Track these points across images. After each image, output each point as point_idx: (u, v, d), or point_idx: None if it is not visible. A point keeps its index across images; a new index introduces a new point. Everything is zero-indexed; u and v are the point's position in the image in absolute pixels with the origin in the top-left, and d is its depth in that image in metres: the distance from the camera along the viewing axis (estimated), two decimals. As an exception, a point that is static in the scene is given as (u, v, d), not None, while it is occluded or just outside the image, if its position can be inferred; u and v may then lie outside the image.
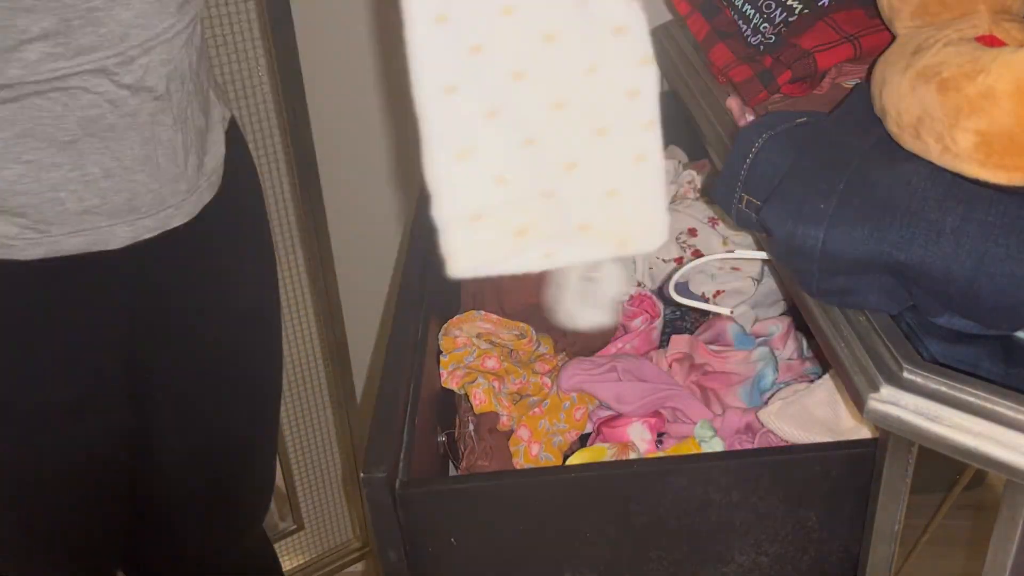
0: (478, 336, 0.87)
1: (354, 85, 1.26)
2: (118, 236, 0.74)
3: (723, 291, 0.95)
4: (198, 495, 0.99)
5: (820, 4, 0.82)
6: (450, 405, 0.88)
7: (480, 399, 0.79)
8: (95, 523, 0.90)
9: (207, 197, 0.81)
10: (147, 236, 0.76)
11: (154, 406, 0.89)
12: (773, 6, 0.85)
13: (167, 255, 0.79)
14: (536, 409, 0.83)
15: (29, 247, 0.71)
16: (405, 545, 0.67)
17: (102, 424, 0.84)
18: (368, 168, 1.33)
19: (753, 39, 0.86)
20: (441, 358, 0.84)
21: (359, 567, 1.68)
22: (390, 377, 0.71)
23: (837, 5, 0.83)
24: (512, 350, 0.89)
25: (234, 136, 0.87)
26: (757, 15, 0.86)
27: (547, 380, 0.86)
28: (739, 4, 0.90)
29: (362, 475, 0.62)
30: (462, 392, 0.83)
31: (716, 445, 0.77)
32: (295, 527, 1.56)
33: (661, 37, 1.18)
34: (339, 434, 1.55)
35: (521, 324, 0.91)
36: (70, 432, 0.81)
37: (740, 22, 0.89)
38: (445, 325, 0.88)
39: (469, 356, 0.84)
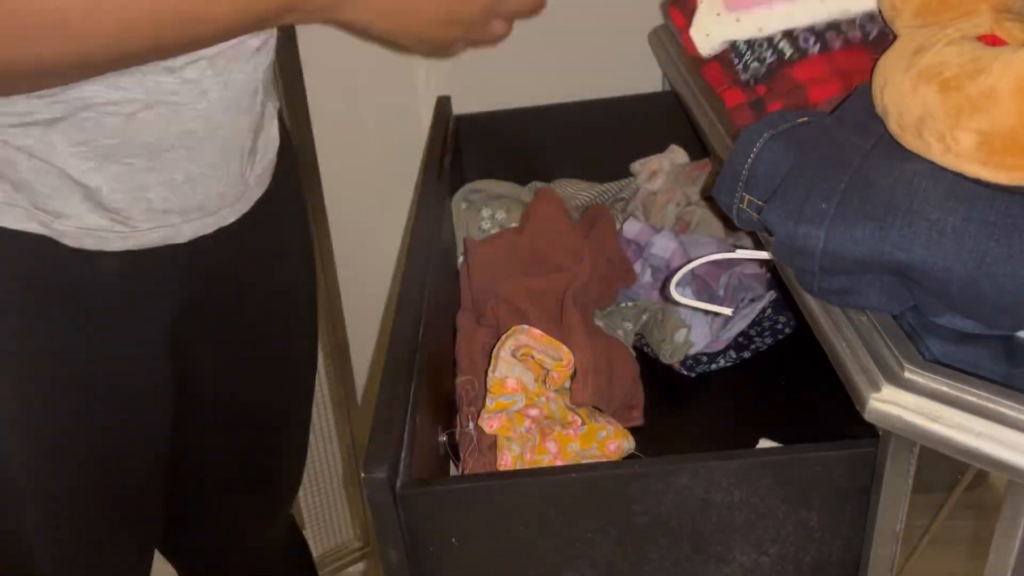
0: (515, 352, 0.84)
1: (354, 85, 1.26)
2: (184, 232, 0.80)
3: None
4: (235, 469, 1.03)
5: (810, 54, 0.82)
6: (451, 405, 0.88)
7: (503, 456, 0.79)
8: (160, 503, 0.95)
9: (257, 193, 0.87)
10: (206, 232, 0.82)
11: (195, 381, 0.93)
12: (765, 46, 0.85)
13: (218, 246, 0.85)
14: (570, 431, 0.82)
15: (119, 239, 0.77)
16: (406, 545, 0.67)
17: (169, 404, 0.90)
18: (368, 168, 1.32)
19: (744, 75, 0.87)
20: (487, 403, 0.82)
21: (359, 567, 1.68)
22: (390, 377, 0.71)
23: (827, 51, 0.83)
24: (548, 371, 0.86)
25: (281, 128, 0.92)
26: (749, 52, 0.86)
27: (577, 418, 0.84)
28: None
29: (362, 475, 0.62)
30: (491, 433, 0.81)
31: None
32: (295, 527, 1.56)
33: (662, 36, 1.18)
34: (339, 434, 1.55)
35: (563, 347, 0.86)
36: (155, 414, 0.87)
37: (732, 55, 0.89)
38: (494, 351, 0.84)
39: (515, 404, 0.82)
